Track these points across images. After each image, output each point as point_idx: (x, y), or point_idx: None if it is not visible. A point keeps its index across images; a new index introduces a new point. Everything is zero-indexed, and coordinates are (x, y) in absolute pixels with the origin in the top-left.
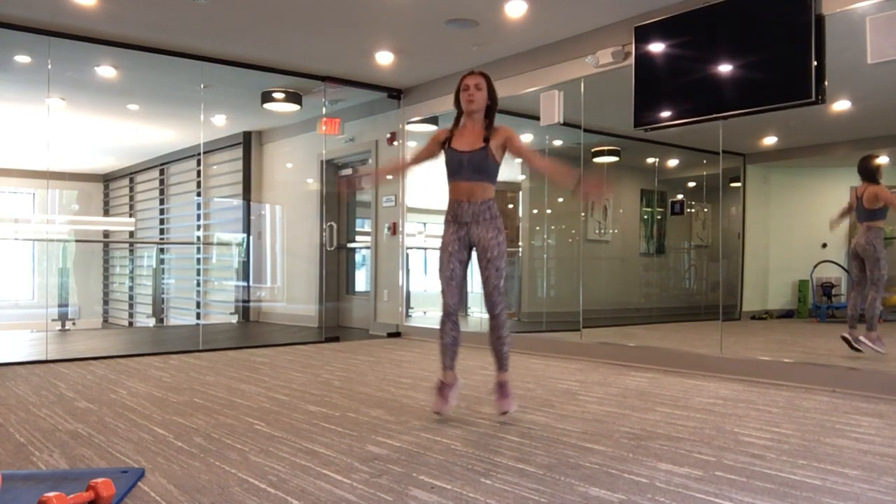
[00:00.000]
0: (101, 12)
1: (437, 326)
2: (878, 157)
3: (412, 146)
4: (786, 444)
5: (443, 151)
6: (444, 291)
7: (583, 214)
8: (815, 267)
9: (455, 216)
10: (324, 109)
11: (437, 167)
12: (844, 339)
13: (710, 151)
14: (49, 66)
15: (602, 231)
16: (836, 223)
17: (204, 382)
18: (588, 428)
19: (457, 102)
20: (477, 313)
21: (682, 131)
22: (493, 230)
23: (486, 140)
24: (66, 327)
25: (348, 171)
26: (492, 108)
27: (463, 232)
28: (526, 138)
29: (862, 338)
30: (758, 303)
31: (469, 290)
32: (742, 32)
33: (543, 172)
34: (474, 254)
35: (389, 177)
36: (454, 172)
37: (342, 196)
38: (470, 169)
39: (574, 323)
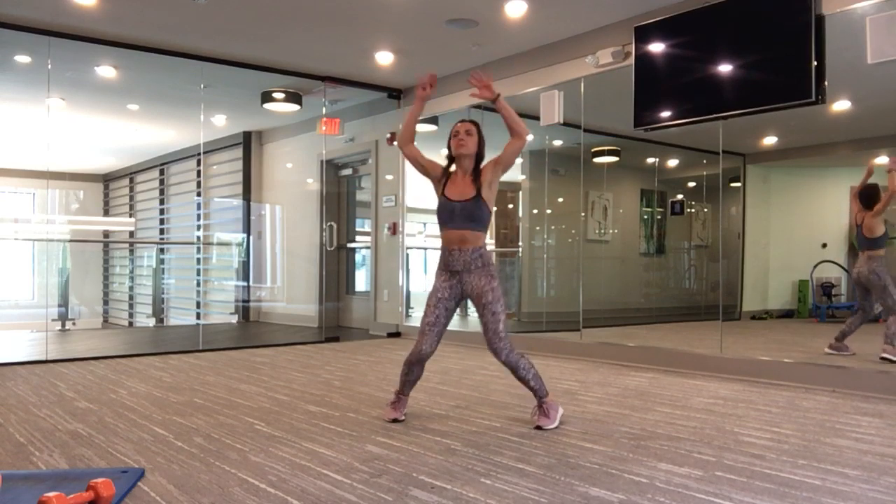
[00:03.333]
0: (101, 12)
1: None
2: (877, 185)
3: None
4: (786, 444)
5: (430, 176)
6: (421, 336)
7: (583, 214)
8: (815, 267)
9: (446, 264)
10: (324, 109)
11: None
12: (829, 354)
13: (710, 151)
14: (49, 66)
15: (602, 231)
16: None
17: (204, 382)
18: (588, 428)
19: (449, 147)
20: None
21: (682, 131)
22: (485, 277)
23: (478, 189)
24: (66, 327)
25: (348, 171)
26: (480, 155)
27: (455, 280)
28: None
29: (884, 354)
30: (758, 303)
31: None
32: (742, 32)
33: (517, 127)
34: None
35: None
36: (446, 221)
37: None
38: (462, 218)
39: (574, 323)
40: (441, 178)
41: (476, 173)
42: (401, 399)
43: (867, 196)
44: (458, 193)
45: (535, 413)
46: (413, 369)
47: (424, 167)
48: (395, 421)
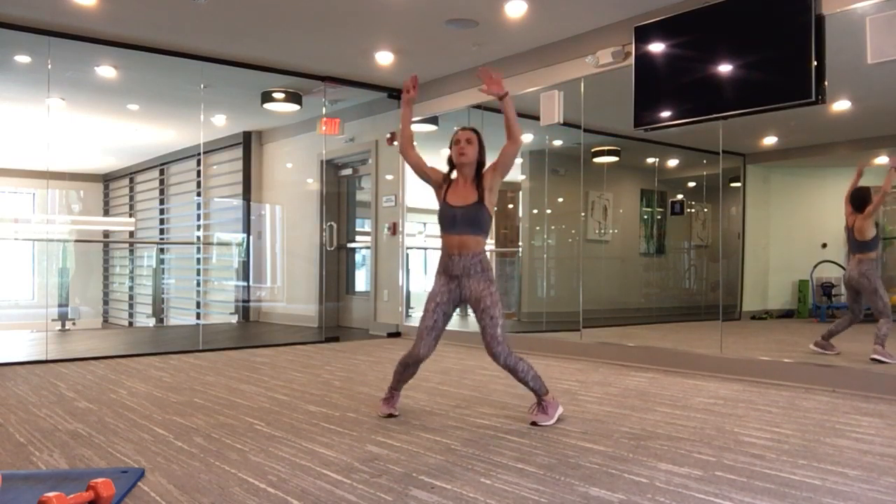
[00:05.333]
0: (101, 12)
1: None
2: (868, 188)
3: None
4: (786, 444)
5: (432, 182)
6: (419, 339)
7: (583, 214)
8: (815, 267)
9: (445, 269)
10: (324, 109)
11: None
12: (815, 350)
13: (710, 151)
14: (49, 66)
15: (602, 231)
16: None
17: (204, 382)
18: (588, 428)
19: (450, 157)
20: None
21: (682, 131)
22: (484, 282)
23: (479, 195)
24: (66, 327)
25: (348, 171)
26: (481, 163)
27: (454, 285)
28: (526, 138)
29: (875, 356)
30: (758, 303)
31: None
32: (742, 32)
33: (514, 130)
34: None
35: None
36: (448, 226)
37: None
38: (463, 223)
39: (574, 323)
40: (443, 185)
41: (478, 179)
42: (394, 395)
43: (858, 199)
44: (460, 199)
45: (532, 409)
46: (408, 370)
47: (427, 174)
48: (389, 416)
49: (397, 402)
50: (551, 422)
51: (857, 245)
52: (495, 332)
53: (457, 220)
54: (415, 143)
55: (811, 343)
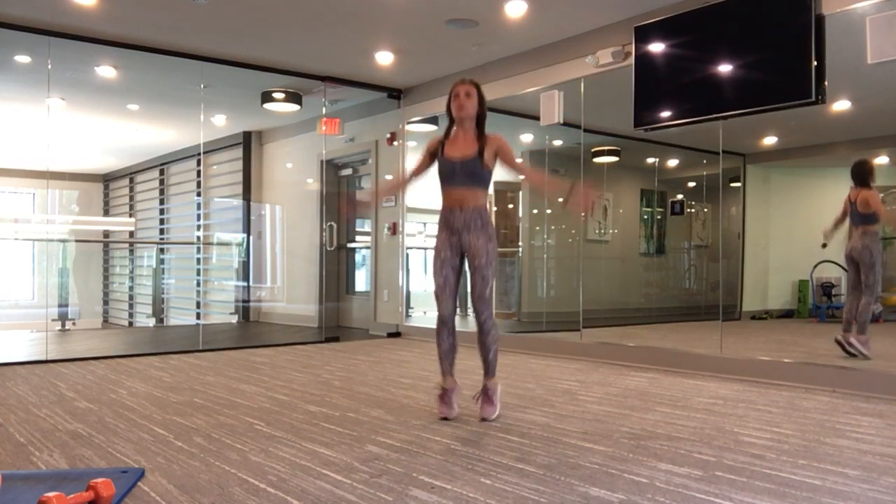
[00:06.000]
0: (101, 12)
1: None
2: (871, 160)
3: (412, 146)
4: (786, 444)
5: (435, 160)
6: (437, 298)
7: (583, 214)
8: (815, 267)
9: (447, 223)
10: (324, 109)
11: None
12: (838, 342)
13: (710, 151)
14: (49, 66)
15: (602, 231)
16: (830, 235)
17: (204, 382)
18: (588, 428)
19: (448, 111)
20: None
21: (682, 131)
22: (483, 237)
23: (479, 148)
24: (66, 327)
25: (348, 171)
26: (482, 116)
27: (455, 238)
28: (526, 138)
29: (852, 340)
30: (758, 303)
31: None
32: (742, 32)
33: (535, 184)
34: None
35: (390, 197)
36: (447, 179)
37: (350, 212)
38: (462, 175)
39: (574, 323)
40: (435, 150)
41: (479, 134)
42: (447, 385)
43: (859, 172)
44: (459, 151)
45: (477, 398)
46: (442, 338)
47: (424, 167)
48: (444, 419)
49: (454, 395)
50: (497, 412)
51: (860, 217)
52: (484, 291)
53: (456, 172)
54: (413, 143)
55: (836, 336)
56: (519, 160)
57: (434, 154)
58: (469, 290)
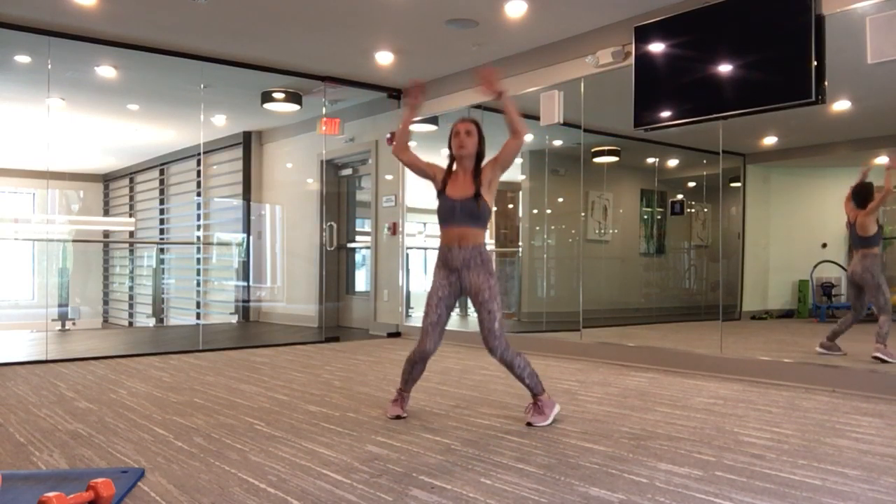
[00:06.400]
0: (101, 12)
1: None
2: (873, 184)
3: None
4: (786, 444)
5: (427, 178)
6: (424, 334)
7: (583, 214)
8: (815, 267)
9: (445, 261)
10: (324, 109)
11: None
12: (819, 352)
13: (710, 151)
14: (49, 66)
15: (602, 231)
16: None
17: (204, 382)
18: (588, 428)
19: (450, 147)
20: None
21: (682, 131)
22: (483, 275)
23: (478, 188)
24: (66, 327)
25: (348, 171)
26: (481, 154)
27: (454, 277)
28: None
29: (878, 353)
30: (758, 303)
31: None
32: (742, 32)
33: (518, 129)
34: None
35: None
36: (446, 219)
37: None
38: (462, 215)
39: (574, 323)
40: (442, 178)
41: (476, 172)
42: (402, 396)
43: (860, 195)
44: (459, 192)
45: (528, 409)
46: (416, 367)
47: (423, 169)
48: (397, 417)
49: (406, 403)
50: (547, 422)
51: (859, 241)
52: (493, 325)
53: (456, 213)
54: (414, 143)
55: (817, 346)
56: (503, 150)
57: (428, 177)
58: (479, 327)
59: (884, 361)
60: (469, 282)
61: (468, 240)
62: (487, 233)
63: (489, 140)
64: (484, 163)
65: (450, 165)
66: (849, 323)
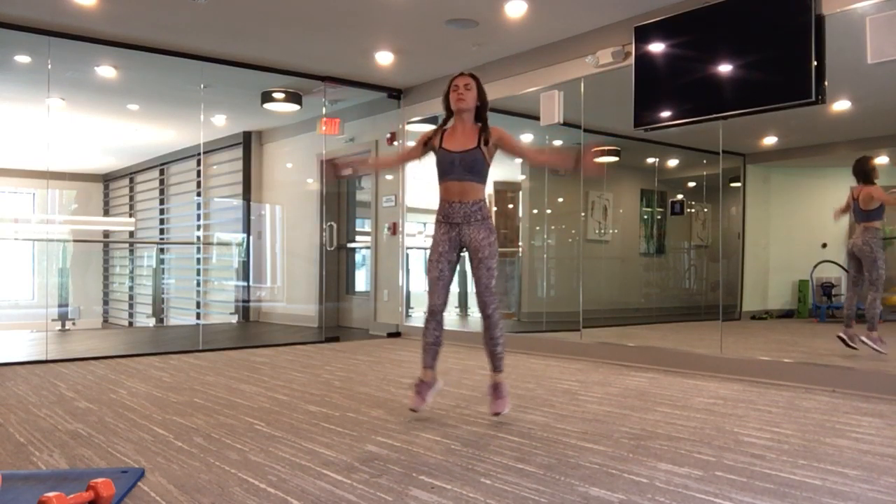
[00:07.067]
0: (101, 12)
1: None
2: (873, 157)
3: (400, 152)
4: (786, 444)
5: (431, 152)
6: (430, 290)
7: (583, 214)
8: (815, 267)
9: (446, 216)
10: (324, 109)
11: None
12: (840, 338)
13: (710, 151)
14: (49, 66)
15: (602, 231)
16: (838, 215)
17: (204, 382)
18: (588, 428)
19: (446, 103)
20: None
21: (682, 131)
22: (484, 230)
23: (481, 140)
24: (66, 327)
25: (348, 172)
26: (482, 108)
27: (454, 233)
28: (526, 138)
29: (863, 338)
30: (758, 303)
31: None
32: (742, 32)
33: (543, 163)
34: (465, 254)
35: (386, 170)
36: (446, 172)
37: (354, 170)
38: (462, 168)
39: (574, 323)
40: (428, 142)
41: (483, 128)
42: (425, 378)
43: (861, 169)
44: (459, 145)
45: (489, 394)
46: (429, 328)
47: (416, 149)
48: (413, 411)
49: (429, 392)
50: (508, 408)
51: (862, 214)
52: (489, 282)
53: (455, 165)
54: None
55: (839, 332)
56: (523, 145)
57: (425, 145)
58: (474, 284)
59: (870, 348)
60: (469, 237)
61: (468, 194)
62: (486, 186)
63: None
64: (494, 126)
65: (443, 122)
66: (852, 301)
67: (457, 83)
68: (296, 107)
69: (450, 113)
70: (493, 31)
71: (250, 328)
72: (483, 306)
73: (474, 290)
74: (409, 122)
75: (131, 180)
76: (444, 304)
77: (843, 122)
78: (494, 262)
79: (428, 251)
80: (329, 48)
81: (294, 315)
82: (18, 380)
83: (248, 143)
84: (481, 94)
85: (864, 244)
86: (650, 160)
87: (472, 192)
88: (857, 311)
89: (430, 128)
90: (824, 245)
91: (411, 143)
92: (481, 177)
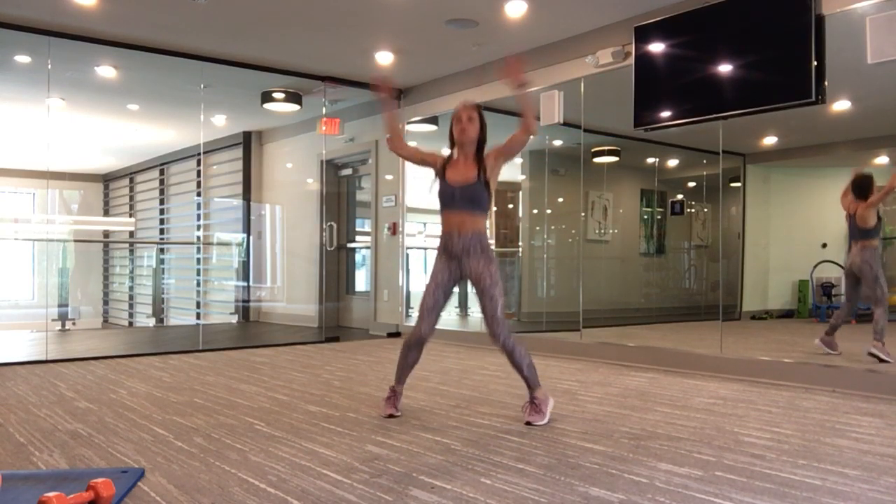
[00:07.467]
0: (101, 12)
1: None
2: (872, 176)
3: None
4: (786, 444)
5: (435, 178)
6: (420, 317)
7: (583, 214)
8: (815, 267)
9: (446, 248)
10: (324, 109)
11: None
12: (820, 343)
13: (710, 151)
14: (49, 66)
15: (602, 231)
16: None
17: (204, 382)
18: (588, 428)
19: (451, 134)
20: (477, 313)
21: (682, 131)
22: (483, 261)
23: (481, 173)
24: (66, 327)
25: (348, 171)
26: (482, 141)
27: (454, 264)
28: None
29: (872, 349)
30: (758, 303)
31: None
32: (742, 32)
33: (529, 120)
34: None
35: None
36: (446, 204)
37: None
38: (462, 200)
39: (574, 323)
40: (441, 164)
41: (478, 158)
42: (395, 393)
43: (860, 186)
44: (459, 177)
45: (525, 408)
46: (410, 353)
47: (424, 158)
48: (390, 416)
49: (399, 401)
50: (545, 420)
51: (859, 232)
52: (495, 312)
53: (455, 198)
54: (414, 143)
55: (816, 339)
56: (511, 140)
57: (429, 165)
58: (482, 313)
59: (881, 360)
60: (470, 268)
61: (467, 227)
62: (486, 218)
63: (489, 139)
64: (487, 151)
65: (450, 154)
66: (844, 315)
67: (460, 115)
68: (296, 107)
69: (454, 143)
70: (493, 31)
71: (250, 328)
72: (493, 337)
73: (483, 322)
74: (409, 122)
75: (131, 180)
76: (431, 332)
77: (843, 122)
78: (497, 291)
79: (428, 276)
80: (329, 48)
81: (294, 315)
82: (18, 380)
83: (248, 143)
84: (482, 126)
85: (863, 262)
86: (650, 160)
87: (472, 223)
88: (842, 323)
89: (430, 128)
90: (824, 245)
91: (412, 145)
92: (482, 208)
